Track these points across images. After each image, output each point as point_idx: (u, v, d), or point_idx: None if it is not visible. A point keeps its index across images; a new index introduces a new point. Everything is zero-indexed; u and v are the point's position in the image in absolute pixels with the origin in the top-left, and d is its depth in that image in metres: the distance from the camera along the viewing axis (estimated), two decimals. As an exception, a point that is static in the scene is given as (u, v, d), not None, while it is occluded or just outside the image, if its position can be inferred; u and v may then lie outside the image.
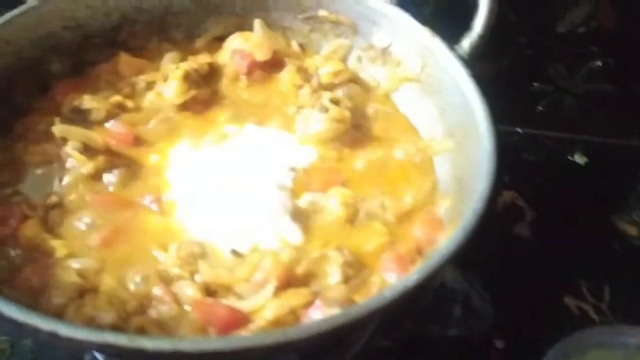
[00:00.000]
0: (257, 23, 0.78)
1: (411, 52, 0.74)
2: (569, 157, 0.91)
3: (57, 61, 0.73)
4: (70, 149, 0.63)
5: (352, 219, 0.62)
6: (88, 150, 0.63)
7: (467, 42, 0.70)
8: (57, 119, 0.65)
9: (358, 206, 0.63)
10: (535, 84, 1.01)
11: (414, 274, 0.47)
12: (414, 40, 0.72)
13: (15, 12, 0.68)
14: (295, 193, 0.64)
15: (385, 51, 0.77)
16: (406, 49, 0.74)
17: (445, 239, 0.52)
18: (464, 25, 0.71)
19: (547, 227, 0.81)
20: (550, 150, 0.93)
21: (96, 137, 0.65)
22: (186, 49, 0.79)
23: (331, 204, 0.62)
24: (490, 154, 0.57)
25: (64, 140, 0.65)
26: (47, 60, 0.72)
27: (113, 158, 0.65)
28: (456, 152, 0.66)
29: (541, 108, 0.99)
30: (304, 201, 0.63)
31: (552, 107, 0.99)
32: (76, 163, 0.63)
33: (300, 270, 0.56)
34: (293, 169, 0.66)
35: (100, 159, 0.63)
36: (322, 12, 0.79)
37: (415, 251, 0.59)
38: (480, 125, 0.60)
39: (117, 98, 0.70)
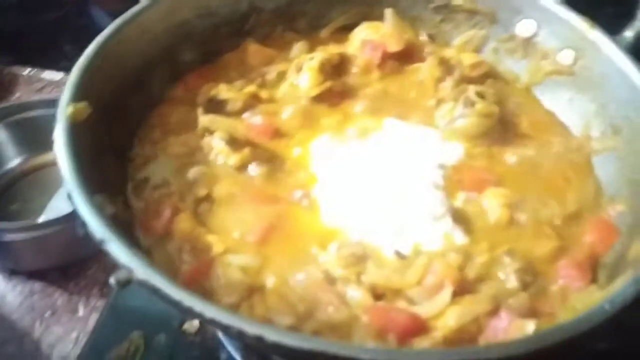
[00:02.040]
0: (388, 12, 0.74)
1: (561, 43, 0.69)
2: None
3: (189, 50, 0.71)
4: (216, 140, 0.60)
5: (514, 221, 0.58)
6: (232, 142, 0.61)
7: (630, 33, 0.65)
8: (199, 109, 0.63)
9: (519, 208, 0.59)
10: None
11: (628, 286, 0.43)
12: (566, 30, 0.68)
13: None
14: (448, 192, 0.60)
15: (528, 42, 0.72)
16: (555, 39, 0.69)
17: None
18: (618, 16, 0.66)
19: None
20: None
21: (241, 128, 0.62)
22: (311, 39, 0.76)
23: (491, 206, 0.58)
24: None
25: (206, 131, 0.62)
26: (179, 49, 0.70)
27: (256, 150, 0.62)
28: (624, 151, 0.61)
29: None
30: (460, 201, 0.59)
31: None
32: (220, 155, 0.61)
33: (471, 274, 0.52)
34: (442, 167, 0.63)
35: (246, 151, 0.61)
36: (456, 1, 0.75)
37: (592, 258, 0.55)
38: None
39: (251, 88, 0.68)
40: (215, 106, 0.66)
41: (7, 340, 0.82)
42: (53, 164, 1.02)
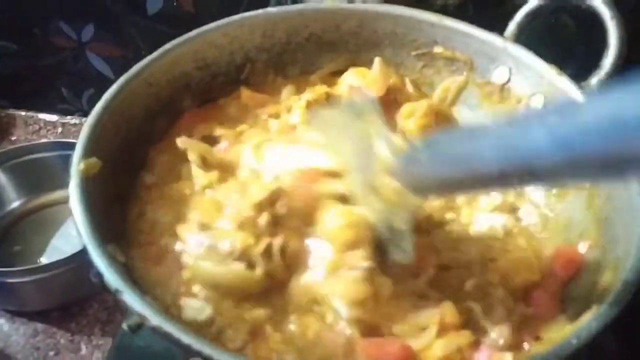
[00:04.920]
0: (376, 61, 0.80)
1: (533, 89, 0.74)
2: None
3: (188, 99, 0.76)
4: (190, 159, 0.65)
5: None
6: (206, 165, 0.66)
7: (595, 80, 0.71)
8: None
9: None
10: None
11: (592, 321, 0.47)
12: (537, 77, 0.73)
13: (154, 55, 0.71)
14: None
15: (503, 88, 0.78)
16: (527, 86, 0.75)
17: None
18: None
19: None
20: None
21: (213, 152, 0.67)
22: (301, 84, 0.81)
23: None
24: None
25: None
26: (179, 98, 0.75)
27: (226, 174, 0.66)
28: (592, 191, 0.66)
29: None
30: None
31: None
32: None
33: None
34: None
35: (214, 173, 0.65)
36: (437, 49, 0.80)
37: (561, 289, 0.59)
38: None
39: (243, 127, 0.73)
40: (209, 143, 0.71)
41: (12, 380, 0.84)
42: (52, 204, 1.07)
